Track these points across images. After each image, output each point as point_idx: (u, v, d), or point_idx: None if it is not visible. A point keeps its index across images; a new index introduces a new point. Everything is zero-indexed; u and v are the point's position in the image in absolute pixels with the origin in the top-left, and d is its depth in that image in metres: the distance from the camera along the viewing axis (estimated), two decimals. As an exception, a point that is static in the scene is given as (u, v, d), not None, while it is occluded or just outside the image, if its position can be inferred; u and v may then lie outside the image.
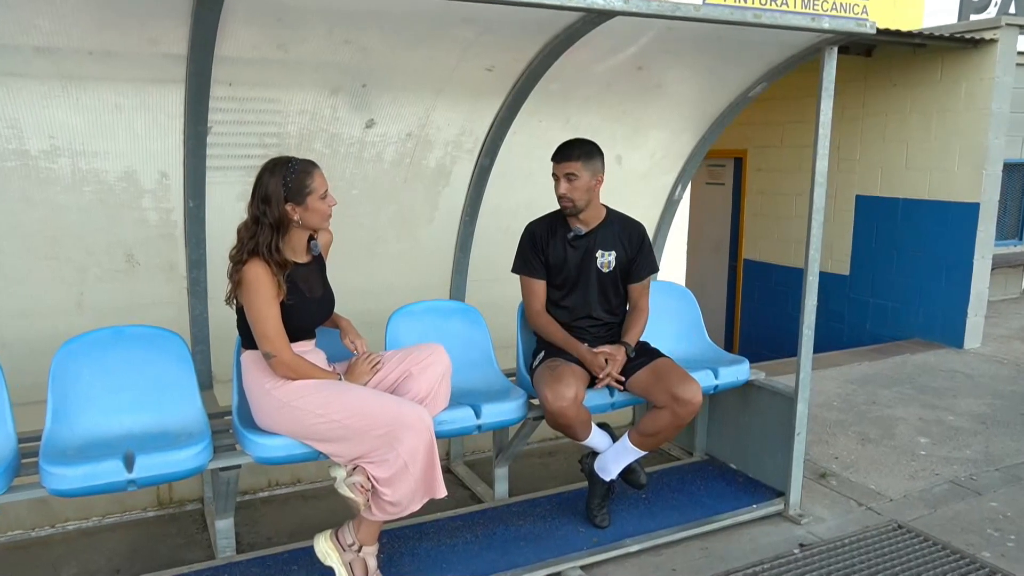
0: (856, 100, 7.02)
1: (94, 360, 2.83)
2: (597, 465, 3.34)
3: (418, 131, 3.28)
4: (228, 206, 3.05)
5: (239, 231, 2.70)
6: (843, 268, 7.45)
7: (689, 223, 9.27)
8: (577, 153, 3.13)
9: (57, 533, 3.39)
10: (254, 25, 2.49)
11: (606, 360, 3.17)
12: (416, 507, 2.75)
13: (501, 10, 2.38)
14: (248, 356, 2.79)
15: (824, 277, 7.37)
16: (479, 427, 3.05)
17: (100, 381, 2.83)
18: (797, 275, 7.69)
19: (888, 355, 6.38)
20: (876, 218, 7.11)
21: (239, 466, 2.76)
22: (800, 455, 3.53)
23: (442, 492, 2.76)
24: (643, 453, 3.27)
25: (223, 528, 3.08)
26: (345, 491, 2.63)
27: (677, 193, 4.20)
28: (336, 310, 3.05)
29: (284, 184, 2.62)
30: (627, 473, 3.36)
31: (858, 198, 7.22)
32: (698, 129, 3.93)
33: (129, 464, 2.50)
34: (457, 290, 3.89)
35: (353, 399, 2.69)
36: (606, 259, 3.32)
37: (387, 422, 2.65)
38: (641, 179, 4.06)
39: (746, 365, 3.66)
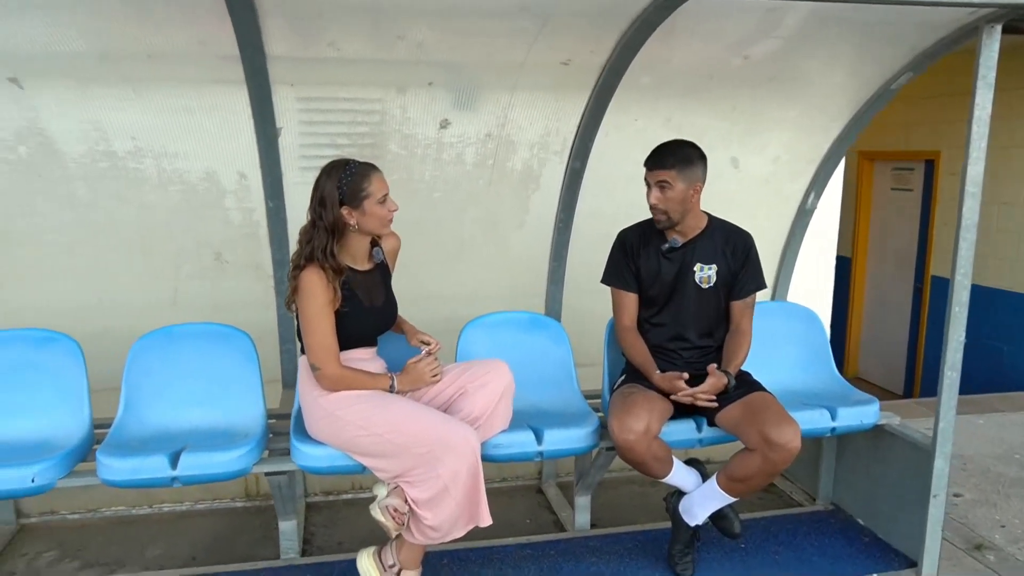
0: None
1: (167, 354, 2.92)
2: (682, 507, 2.97)
3: (498, 131, 3.08)
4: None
5: (300, 235, 2.65)
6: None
7: (870, 234, 8.33)
8: (671, 160, 2.77)
9: (154, 513, 3.57)
10: (297, 22, 2.42)
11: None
12: (459, 534, 2.57)
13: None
14: (304, 361, 2.74)
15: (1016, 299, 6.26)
16: (540, 453, 2.80)
17: (172, 375, 2.91)
18: (998, 297, 6.61)
19: (1103, 400, 5.27)
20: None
21: (284, 473, 2.72)
22: (938, 520, 2.93)
23: (486, 520, 2.57)
24: (732, 499, 2.86)
25: (286, 530, 3.07)
26: (376, 514, 2.50)
27: (810, 202, 3.66)
28: (420, 316, 2.93)
29: (339, 187, 2.52)
30: (717, 519, 2.95)
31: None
32: (830, 128, 3.39)
33: (174, 462, 2.53)
34: (553, 301, 3.64)
35: (397, 413, 2.54)
36: (705, 273, 2.93)
37: (429, 440, 2.48)
38: (763, 185, 3.58)
39: (875, 407, 3.10)
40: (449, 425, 2.53)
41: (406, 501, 2.52)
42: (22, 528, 3.44)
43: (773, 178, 3.57)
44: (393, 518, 2.48)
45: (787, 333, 3.46)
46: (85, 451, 2.70)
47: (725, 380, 2.76)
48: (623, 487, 3.89)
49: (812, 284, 4.29)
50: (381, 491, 2.60)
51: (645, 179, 2.84)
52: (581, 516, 3.35)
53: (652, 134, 3.04)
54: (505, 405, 2.75)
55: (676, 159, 2.76)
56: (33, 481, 2.46)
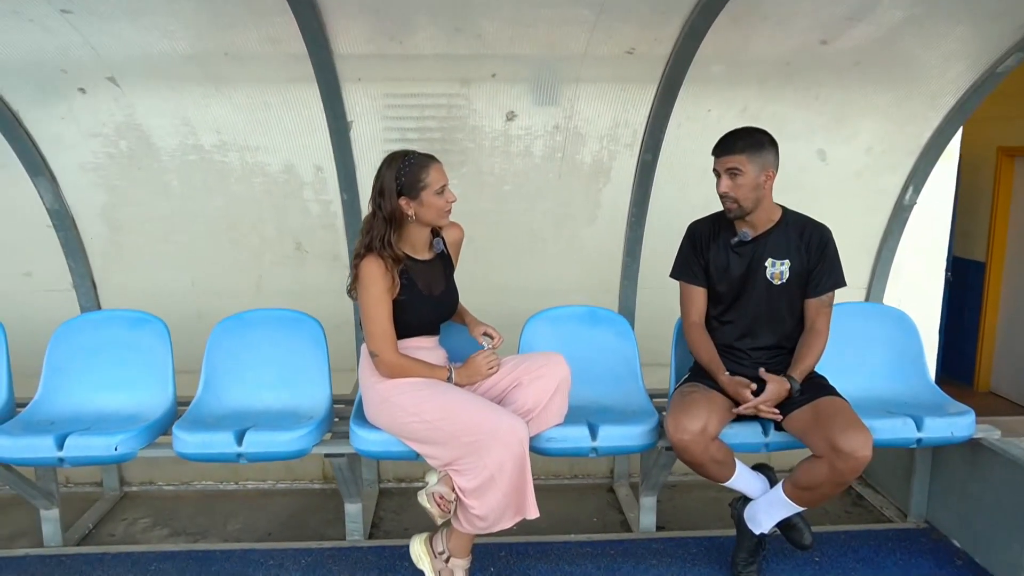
0: None
1: (244, 338, 3.09)
2: (747, 513, 2.83)
3: (565, 123, 3.05)
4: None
5: (362, 224, 2.73)
6: None
7: (1008, 237, 7.64)
8: (741, 144, 2.65)
9: (239, 490, 3.78)
10: (358, 18, 2.49)
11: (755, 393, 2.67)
12: (507, 524, 2.57)
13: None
14: (365, 348, 2.82)
15: None
16: (595, 450, 2.75)
17: (248, 357, 3.08)
18: None
19: None
20: None
21: (343, 455, 2.80)
22: (1039, 547, 2.66)
23: (533, 513, 2.55)
24: (799, 508, 2.70)
25: (351, 512, 3.16)
26: (423, 500, 2.53)
27: (909, 197, 3.39)
28: (490, 308, 2.96)
29: (398, 178, 2.57)
30: (786, 528, 2.80)
31: None
32: (929, 117, 3.11)
33: (240, 439, 2.67)
34: (626, 297, 3.56)
35: (449, 401, 2.57)
36: (777, 269, 2.78)
37: (477, 430, 2.50)
38: (854, 179, 3.35)
39: (969, 418, 2.84)
40: (498, 415, 2.53)
41: (453, 490, 2.54)
42: (125, 495, 3.73)
43: (866, 171, 3.34)
44: (439, 505, 2.50)
45: (877, 336, 3.24)
46: (167, 425, 2.89)
47: (788, 386, 2.61)
48: (696, 491, 3.76)
49: (919, 288, 3.99)
50: (432, 479, 2.64)
51: (714, 169, 2.73)
52: (646, 517, 3.27)
53: (727, 125, 2.90)
54: (560, 399, 2.72)
55: (745, 144, 2.64)
56: (116, 450, 2.66)
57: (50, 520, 3.12)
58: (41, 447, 2.63)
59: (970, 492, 3.03)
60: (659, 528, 3.36)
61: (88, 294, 3.42)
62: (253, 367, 3.06)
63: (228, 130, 3.02)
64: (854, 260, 3.60)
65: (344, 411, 3.09)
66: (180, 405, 3.03)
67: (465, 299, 2.98)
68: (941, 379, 6.90)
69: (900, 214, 3.46)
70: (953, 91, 3.01)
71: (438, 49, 2.70)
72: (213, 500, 3.70)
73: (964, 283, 7.18)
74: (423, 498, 2.53)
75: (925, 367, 3.16)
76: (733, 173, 2.66)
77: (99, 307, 3.47)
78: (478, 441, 2.49)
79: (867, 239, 3.53)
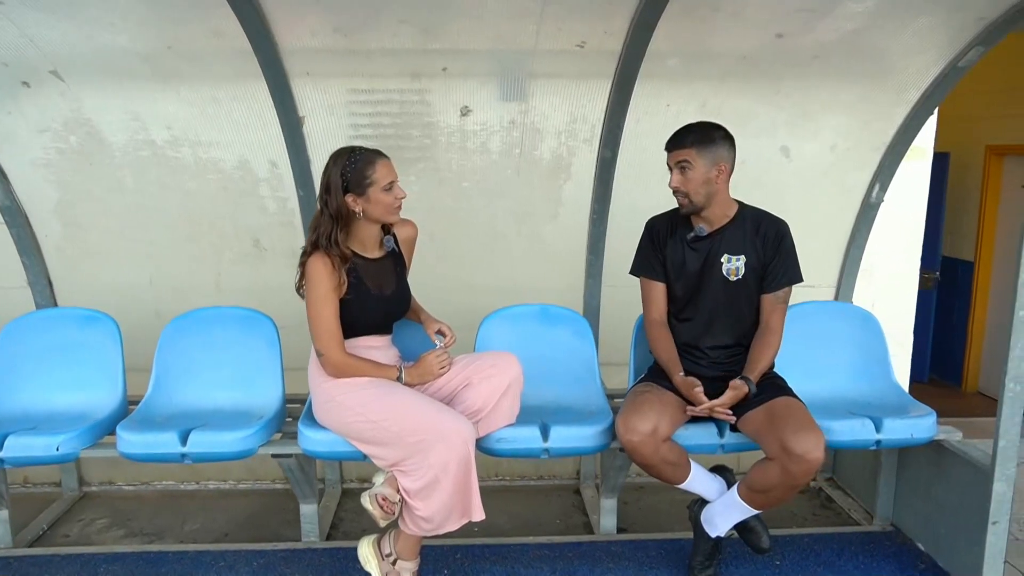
0: None
1: (196, 336, 3.04)
2: (703, 516, 2.78)
3: (521, 118, 3.00)
4: (339, 196, 3.07)
5: (311, 221, 2.69)
6: None
7: (996, 236, 7.59)
8: (691, 139, 2.61)
9: (200, 490, 3.74)
10: (300, 11, 2.44)
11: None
12: (452, 526, 2.52)
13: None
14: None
15: None
16: (547, 451, 2.69)
17: (199, 356, 3.03)
18: None
19: None
20: None
21: (292, 455, 2.76)
22: (998, 551, 2.60)
23: (479, 515, 2.51)
24: (755, 511, 2.65)
25: (307, 513, 3.12)
26: (366, 502, 2.48)
27: (875, 195, 3.33)
28: (453, 306, 2.91)
29: (343, 174, 2.52)
30: (744, 531, 2.75)
31: None
32: (892, 114, 3.06)
33: (184, 439, 2.63)
34: (591, 296, 3.51)
35: (394, 401, 2.53)
36: (733, 264, 2.72)
37: (421, 429, 2.45)
38: (822, 176, 3.29)
39: (930, 420, 2.78)
40: (443, 416, 2.49)
41: (398, 491, 2.50)
42: (84, 495, 3.69)
43: (832, 169, 3.28)
44: (382, 507, 2.46)
45: (842, 336, 3.18)
46: (112, 425, 2.84)
47: (746, 390, 2.56)
48: (664, 492, 3.68)
49: (893, 288, 3.94)
50: (379, 479, 2.59)
51: (667, 163, 2.69)
52: (607, 519, 3.22)
53: (686, 120, 2.84)
54: (511, 399, 2.68)
55: (695, 138, 2.59)
56: (58, 450, 2.62)
57: (0, 521, 3.08)
58: (-21, 447, 2.59)
59: (934, 494, 2.98)
60: (621, 530, 3.31)
61: (44, 292, 3.38)
62: (205, 366, 3.01)
63: (179, 125, 2.97)
64: (823, 259, 3.56)
65: (299, 411, 3.04)
66: (133, 404, 2.99)
67: (426, 297, 2.93)
68: (930, 380, 6.85)
69: (868, 212, 3.40)
70: (917, 85, 2.95)
71: (384, 42, 2.65)
72: (173, 500, 3.66)
73: (953, 283, 7.12)
74: (366, 500, 2.48)
75: (890, 368, 3.10)
76: (683, 167, 2.61)
77: (55, 305, 3.43)
78: (423, 441, 2.45)
79: (835, 238, 3.48)
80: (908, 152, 3.57)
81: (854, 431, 2.73)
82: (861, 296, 3.76)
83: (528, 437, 2.68)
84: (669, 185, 2.67)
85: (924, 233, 4.15)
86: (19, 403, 2.95)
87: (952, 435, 2.85)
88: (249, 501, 3.65)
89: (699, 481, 2.72)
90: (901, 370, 4.06)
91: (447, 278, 3.37)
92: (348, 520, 3.46)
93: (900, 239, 3.94)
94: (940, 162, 5.20)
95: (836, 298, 3.60)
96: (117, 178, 3.16)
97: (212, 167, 3.12)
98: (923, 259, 5.39)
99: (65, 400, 2.95)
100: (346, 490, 3.73)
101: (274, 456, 2.76)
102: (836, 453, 3.72)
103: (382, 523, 2.49)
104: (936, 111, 3.61)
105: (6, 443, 2.59)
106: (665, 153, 2.67)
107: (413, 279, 2.88)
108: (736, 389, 2.58)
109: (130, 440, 2.63)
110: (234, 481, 3.75)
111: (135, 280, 3.43)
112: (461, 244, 3.36)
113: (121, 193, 3.21)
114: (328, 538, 3.26)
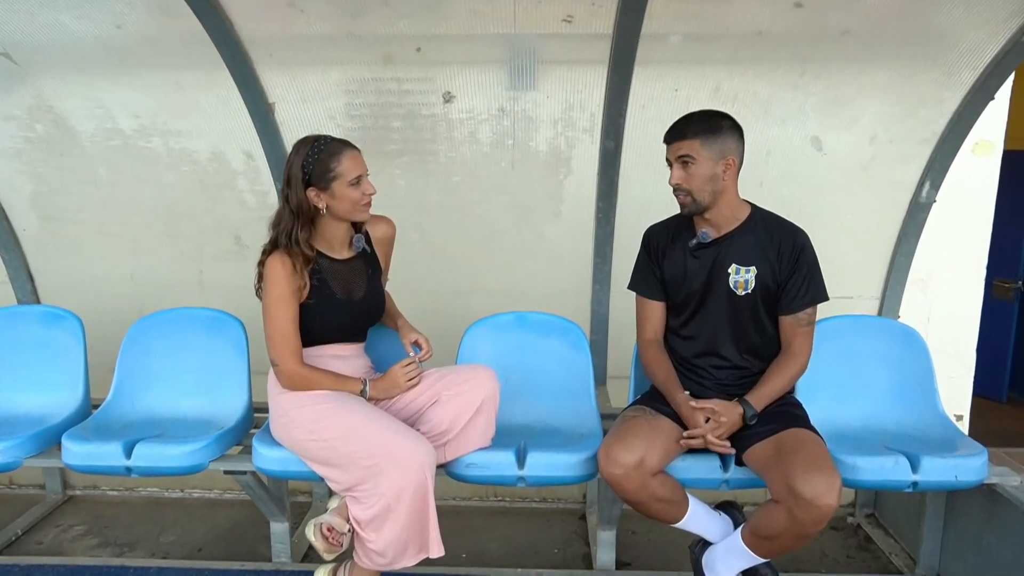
0: None
1: (162, 338, 2.85)
2: (705, 560, 2.42)
3: (511, 105, 2.69)
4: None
5: (272, 217, 2.45)
6: None
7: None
8: (694, 129, 2.26)
9: (185, 499, 3.56)
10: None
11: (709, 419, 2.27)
12: (409, 563, 2.25)
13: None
14: (272, 355, 2.54)
15: None
16: (522, 479, 2.38)
17: (166, 360, 2.84)
18: None
19: None
20: None
21: (245, 472, 2.52)
22: (1059, 620, 2.17)
23: (437, 551, 2.23)
24: (760, 560, 2.28)
25: (277, 532, 2.89)
26: (309, 533, 2.22)
27: (926, 193, 2.88)
28: (442, 313, 2.67)
29: (305, 166, 2.27)
30: (752, 579, 2.38)
31: None
32: (945, 99, 2.61)
33: (129, 452, 2.43)
34: (599, 303, 3.17)
35: (349, 419, 2.26)
36: (742, 277, 2.36)
37: (374, 452, 2.19)
38: (861, 172, 2.86)
39: (980, 460, 2.35)
40: (399, 437, 2.21)
41: (348, 520, 2.23)
42: (69, 499, 3.56)
43: (873, 163, 2.85)
44: (326, 539, 2.19)
45: (878, 356, 2.76)
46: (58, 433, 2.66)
47: (740, 411, 2.20)
48: (676, 523, 3.34)
49: (953, 302, 3.45)
50: (331, 504, 2.34)
51: (666, 158, 2.34)
52: (604, 553, 2.88)
53: (698, 106, 2.50)
54: (484, 419, 2.38)
55: (699, 128, 2.24)
56: (-3, 457, 2.45)
57: (-33, 526, 2.97)
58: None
59: (985, 544, 2.54)
60: (624, 564, 2.98)
61: (24, 287, 3.25)
62: (169, 371, 2.82)
63: (145, 113, 2.78)
64: (864, 266, 3.13)
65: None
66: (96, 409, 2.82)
67: (416, 302, 2.67)
68: (1008, 400, 6.19)
69: (917, 214, 2.95)
70: (971, 66, 2.50)
71: (346, 20, 2.38)
72: (155, 508, 3.49)
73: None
74: (310, 530, 2.22)
75: (935, 394, 2.67)
76: (685, 161, 2.27)
77: (38, 300, 3.30)
78: (376, 465, 2.18)
79: (879, 242, 3.03)
80: (972, 147, 3.12)
81: (885, 470, 2.32)
82: (914, 309, 3.30)
83: (501, 463, 2.37)
84: (669, 182, 2.34)
85: (1001, 238, 3.65)
86: (-22, 406, 2.81)
87: (1007, 479, 2.41)
88: (232, 512, 3.45)
89: (698, 520, 2.37)
90: (961, 393, 3.58)
91: (438, 281, 3.10)
92: (330, 539, 3.22)
93: (962, 245, 3.44)
94: (1020, 160, 4.63)
95: (880, 311, 3.16)
96: (90, 169, 3.00)
97: (186, 158, 2.92)
98: (1001, 267, 4.81)
99: (21, 402, 2.80)
100: (333, 506, 3.49)
101: (227, 473, 2.52)
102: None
103: (327, 556, 2.23)
104: (1009, 99, 3.15)
105: (-61, 448, 2.44)
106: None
107: (397, 282, 2.63)
108: (723, 406, 2.24)
109: (74, 451, 2.45)
110: (219, 491, 3.56)
111: (117, 276, 3.27)
112: (454, 243, 3.08)
113: (96, 186, 3.04)
114: (304, 559, 3.03)
